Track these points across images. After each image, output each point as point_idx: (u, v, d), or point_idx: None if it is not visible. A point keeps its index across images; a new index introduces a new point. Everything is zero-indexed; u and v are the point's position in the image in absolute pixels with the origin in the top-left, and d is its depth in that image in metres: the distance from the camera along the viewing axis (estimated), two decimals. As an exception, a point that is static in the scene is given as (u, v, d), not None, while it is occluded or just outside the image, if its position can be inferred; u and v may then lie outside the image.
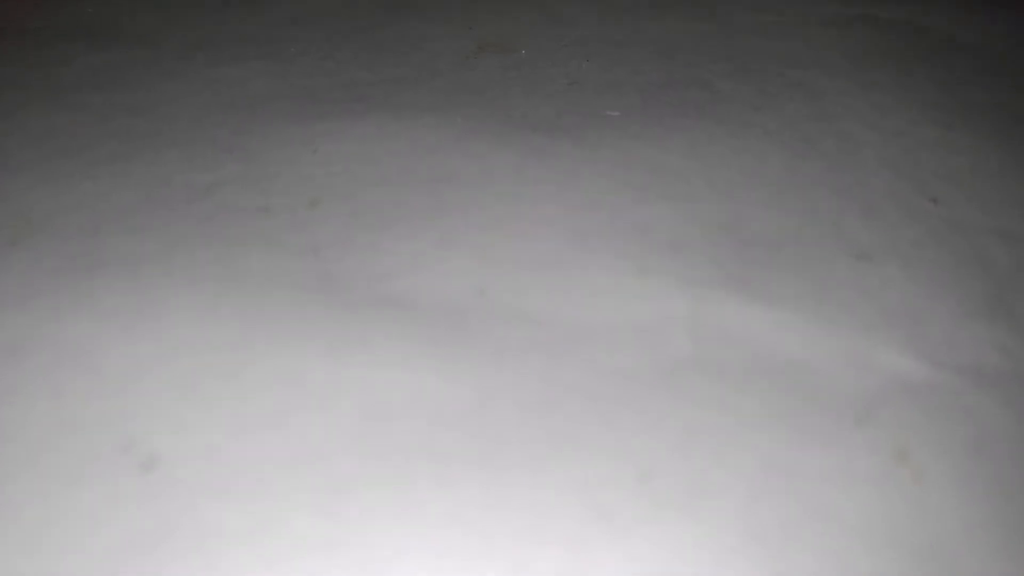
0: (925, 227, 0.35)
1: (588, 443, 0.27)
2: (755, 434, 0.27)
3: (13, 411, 0.27)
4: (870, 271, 0.33)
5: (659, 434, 0.27)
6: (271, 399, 0.28)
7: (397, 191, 0.36)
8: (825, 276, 0.32)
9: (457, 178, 0.37)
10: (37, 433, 0.27)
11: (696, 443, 0.27)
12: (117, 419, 0.27)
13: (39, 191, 0.36)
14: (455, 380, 0.29)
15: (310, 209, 0.35)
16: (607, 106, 0.42)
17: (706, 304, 0.31)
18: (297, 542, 0.24)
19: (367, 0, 0.52)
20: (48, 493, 0.25)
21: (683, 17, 0.50)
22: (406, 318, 0.30)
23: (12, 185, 0.36)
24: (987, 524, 0.25)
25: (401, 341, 0.30)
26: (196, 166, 0.37)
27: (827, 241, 0.34)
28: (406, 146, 0.39)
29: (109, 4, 0.50)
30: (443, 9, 0.50)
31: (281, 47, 0.46)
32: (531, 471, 0.26)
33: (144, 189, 0.36)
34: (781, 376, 0.29)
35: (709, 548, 0.24)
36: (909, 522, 0.25)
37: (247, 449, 0.27)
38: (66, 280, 0.32)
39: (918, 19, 0.49)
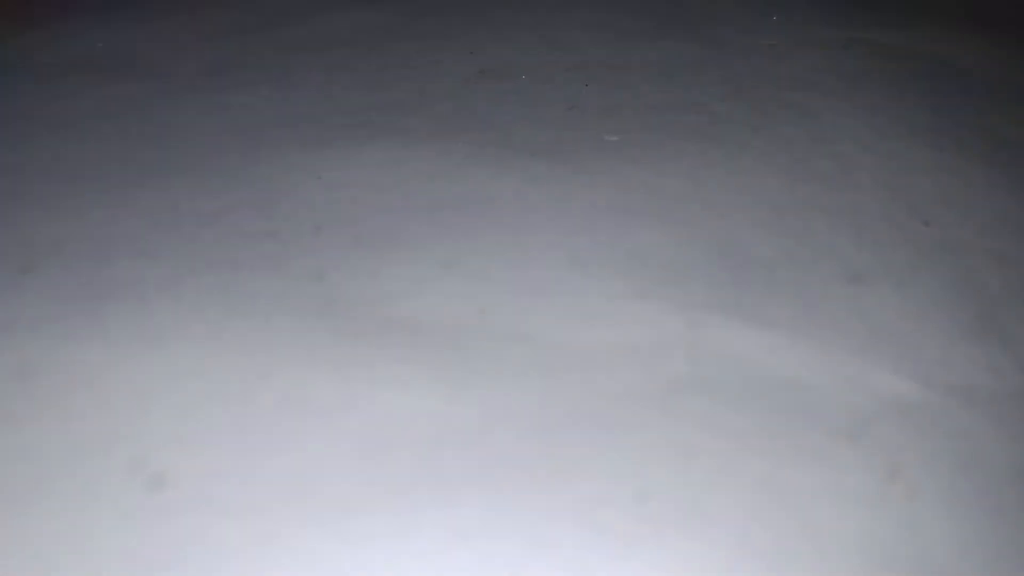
0: (918, 249, 0.35)
1: (586, 463, 0.27)
2: (750, 453, 0.27)
3: (24, 432, 0.28)
4: (863, 292, 0.33)
5: (656, 454, 0.27)
6: (276, 420, 0.28)
7: (399, 217, 0.37)
8: (819, 298, 0.33)
9: (458, 204, 0.37)
10: (47, 454, 0.27)
11: (692, 462, 0.27)
12: (125, 440, 0.28)
13: (50, 219, 0.37)
14: (456, 400, 0.29)
15: (315, 235, 0.36)
16: (606, 130, 0.42)
17: (702, 326, 0.31)
18: (302, 560, 0.25)
19: (370, 26, 0.52)
20: (57, 513, 0.26)
21: (680, 41, 0.50)
22: (408, 340, 0.31)
23: (25, 214, 0.37)
24: (978, 541, 0.26)
25: (403, 363, 0.30)
26: (203, 193, 0.38)
27: (821, 263, 0.34)
28: (408, 173, 0.39)
29: (120, 39, 0.50)
30: (444, 35, 0.51)
31: (286, 74, 0.47)
32: (530, 491, 0.26)
33: (152, 216, 0.37)
34: (776, 396, 0.29)
35: (705, 566, 0.25)
36: (901, 539, 0.25)
37: (253, 469, 0.27)
38: (76, 306, 0.32)
39: (912, 44, 0.49)
